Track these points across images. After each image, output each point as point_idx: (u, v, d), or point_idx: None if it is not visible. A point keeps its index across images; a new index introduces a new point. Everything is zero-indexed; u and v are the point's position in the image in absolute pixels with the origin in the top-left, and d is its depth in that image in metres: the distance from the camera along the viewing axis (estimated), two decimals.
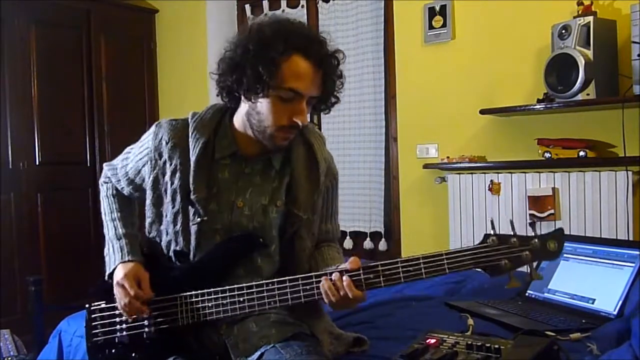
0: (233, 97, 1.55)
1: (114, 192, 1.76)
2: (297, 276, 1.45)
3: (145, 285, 1.57)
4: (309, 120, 1.60)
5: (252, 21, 1.56)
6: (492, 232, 1.35)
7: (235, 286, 1.50)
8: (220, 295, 1.51)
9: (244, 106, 1.54)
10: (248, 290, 1.48)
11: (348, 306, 1.44)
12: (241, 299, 1.48)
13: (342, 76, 1.54)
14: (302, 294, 1.44)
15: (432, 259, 1.36)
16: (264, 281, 1.48)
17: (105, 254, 1.66)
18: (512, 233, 1.34)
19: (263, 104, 1.48)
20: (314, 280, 1.43)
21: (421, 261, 1.36)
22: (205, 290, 1.53)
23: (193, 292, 1.54)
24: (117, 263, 1.60)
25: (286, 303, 1.46)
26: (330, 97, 1.54)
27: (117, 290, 1.57)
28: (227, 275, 1.56)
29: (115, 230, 1.67)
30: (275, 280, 1.47)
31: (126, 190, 1.75)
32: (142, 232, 1.72)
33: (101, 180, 1.81)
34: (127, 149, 1.75)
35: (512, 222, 1.37)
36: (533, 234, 1.34)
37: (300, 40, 1.44)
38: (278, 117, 1.47)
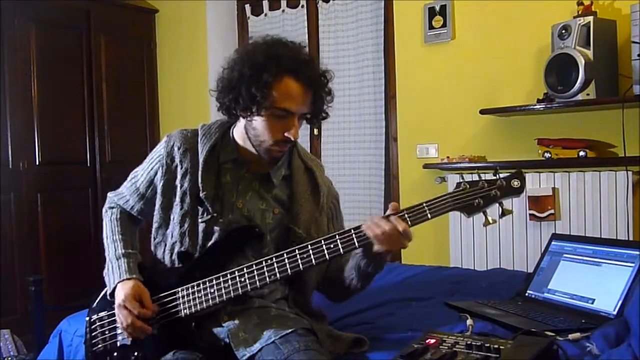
0: (231, 114, 1.65)
1: (118, 216, 1.80)
2: (293, 248, 1.51)
3: (147, 301, 1.60)
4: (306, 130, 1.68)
5: (251, 30, 1.64)
6: (462, 180, 1.54)
7: (235, 269, 1.54)
8: (221, 279, 1.54)
9: (242, 121, 1.65)
10: (248, 270, 1.52)
11: (399, 243, 1.47)
12: (242, 279, 1.52)
13: (331, 93, 1.65)
14: (299, 262, 1.49)
15: (415, 209, 1.49)
16: (262, 259, 1.53)
17: (104, 274, 1.69)
18: (479, 179, 1.53)
19: (258, 122, 1.59)
20: (322, 244, 1.49)
21: (405, 212, 1.49)
22: (207, 279, 1.56)
23: (193, 283, 1.57)
24: (116, 282, 1.63)
25: (285, 274, 1.50)
26: (320, 113, 1.66)
27: (119, 312, 1.60)
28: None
29: (115, 250, 1.71)
30: (273, 255, 1.53)
31: (136, 208, 1.79)
32: (143, 255, 1.75)
33: (105, 207, 1.85)
34: (132, 172, 1.82)
35: (479, 174, 1.56)
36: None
37: (291, 63, 1.55)
38: (272, 133, 1.59)
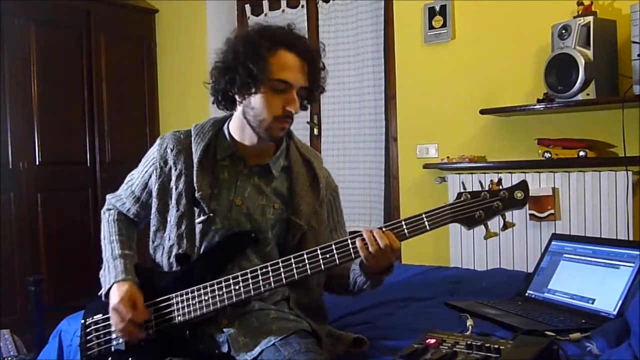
0: (228, 101, 1.64)
1: (116, 217, 1.79)
2: (288, 257, 1.50)
3: (140, 306, 1.59)
4: (305, 110, 1.72)
5: (251, 22, 1.64)
6: (463, 191, 1.49)
7: (230, 276, 1.52)
8: (216, 287, 1.53)
9: (238, 109, 1.64)
10: (243, 278, 1.51)
11: (386, 258, 1.48)
12: (237, 287, 1.51)
13: (325, 68, 1.66)
14: (295, 272, 1.48)
15: (414, 220, 1.47)
16: (258, 267, 1.51)
17: (100, 275, 1.68)
18: (481, 189, 1.48)
19: (257, 99, 1.58)
20: (317, 253, 1.48)
21: (403, 223, 1.47)
22: (202, 285, 1.54)
23: (189, 289, 1.56)
24: (111, 282, 1.62)
25: (280, 283, 1.49)
26: (317, 88, 1.65)
27: (112, 315, 1.59)
28: (224, 275, 1.56)
29: (112, 251, 1.70)
30: (269, 263, 1.51)
31: (132, 211, 1.78)
32: (142, 256, 1.75)
33: (104, 209, 1.84)
34: (129, 175, 1.81)
35: (480, 183, 1.54)
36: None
37: (284, 36, 1.58)
38: (272, 108, 1.57)
